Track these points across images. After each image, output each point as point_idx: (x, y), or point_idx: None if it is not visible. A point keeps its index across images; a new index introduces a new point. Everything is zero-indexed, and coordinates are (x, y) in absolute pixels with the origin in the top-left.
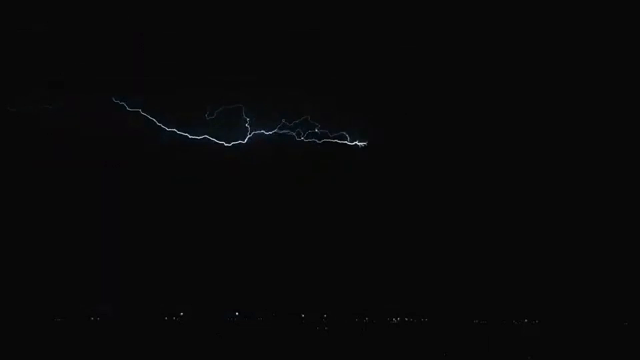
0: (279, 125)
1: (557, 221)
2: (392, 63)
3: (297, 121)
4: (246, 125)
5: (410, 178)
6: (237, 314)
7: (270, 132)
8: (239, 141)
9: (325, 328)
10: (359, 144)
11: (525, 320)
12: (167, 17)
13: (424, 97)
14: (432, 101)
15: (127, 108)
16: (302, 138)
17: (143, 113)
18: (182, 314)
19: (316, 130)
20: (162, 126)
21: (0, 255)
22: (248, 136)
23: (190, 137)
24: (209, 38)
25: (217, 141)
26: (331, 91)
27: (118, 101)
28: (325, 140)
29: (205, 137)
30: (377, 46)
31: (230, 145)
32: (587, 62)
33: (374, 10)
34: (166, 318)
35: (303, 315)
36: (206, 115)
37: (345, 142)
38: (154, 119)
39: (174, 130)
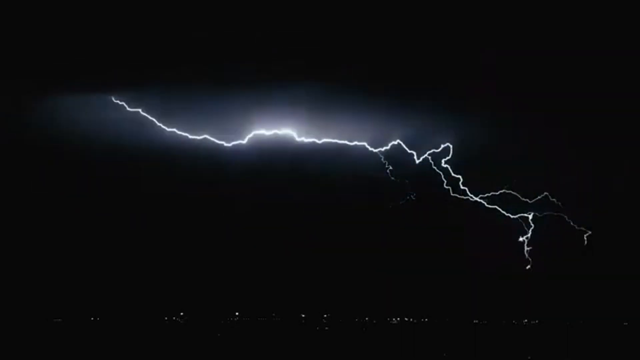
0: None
1: (556, 221)
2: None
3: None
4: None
5: (411, 179)
6: (237, 314)
7: (270, 132)
8: (239, 141)
9: (326, 328)
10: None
11: (526, 321)
12: (169, 18)
13: None
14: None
15: (127, 108)
16: (302, 138)
17: (143, 113)
18: (182, 313)
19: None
20: (162, 126)
21: (0, 255)
22: (248, 136)
23: (190, 137)
24: (210, 38)
25: (217, 141)
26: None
27: (118, 101)
28: (325, 140)
29: (205, 137)
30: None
31: (230, 145)
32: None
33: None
34: (166, 318)
35: (303, 315)
36: None
37: (346, 142)
38: (154, 119)
39: (174, 130)
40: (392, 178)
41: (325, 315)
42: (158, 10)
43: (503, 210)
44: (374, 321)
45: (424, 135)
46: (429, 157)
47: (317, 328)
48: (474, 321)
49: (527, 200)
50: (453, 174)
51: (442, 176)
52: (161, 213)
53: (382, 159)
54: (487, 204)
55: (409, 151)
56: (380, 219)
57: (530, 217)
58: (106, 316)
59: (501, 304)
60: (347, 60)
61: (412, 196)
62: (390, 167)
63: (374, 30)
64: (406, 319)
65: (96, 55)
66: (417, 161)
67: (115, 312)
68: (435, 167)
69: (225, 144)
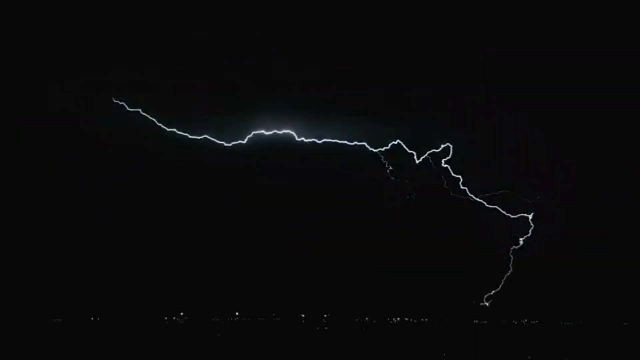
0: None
1: (556, 222)
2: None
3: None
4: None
5: (411, 179)
6: (237, 314)
7: (270, 132)
8: (239, 141)
9: (325, 328)
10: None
11: (526, 321)
12: (169, 18)
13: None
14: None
15: (127, 108)
16: (302, 138)
17: (143, 113)
18: (182, 313)
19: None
20: (162, 126)
21: (0, 255)
22: (248, 136)
23: (190, 137)
24: (210, 38)
25: (217, 141)
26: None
27: (118, 101)
28: (325, 140)
29: (205, 137)
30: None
31: (230, 145)
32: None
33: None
34: (166, 318)
35: (303, 315)
36: None
37: (345, 142)
38: (154, 119)
39: (174, 130)
40: (392, 178)
41: (325, 315)
42: (158, 10)
43: (503, 210)
44: (374, 321)
45: (424, 135)
46: (429, 157)
47: (317, 328)
48: (474, 321)
49: (527, 200)
50: (453, 174)
51: (442, 176)
52: (161, 213)
53: (382, 159)
54: (487, 204)
55: (409, 151)
56: (380, 219)
57: (530, 217)
58: (106, 316)
59: (501, 304)
60: (348, 60)
61: (411, 196)
62: (390, 167)
63: (374, 30)
64: (406, 319)
65: (97, 55)
66: (417, 161)
67: (115, 312)
68: (435, 167)
69: (225, 144)
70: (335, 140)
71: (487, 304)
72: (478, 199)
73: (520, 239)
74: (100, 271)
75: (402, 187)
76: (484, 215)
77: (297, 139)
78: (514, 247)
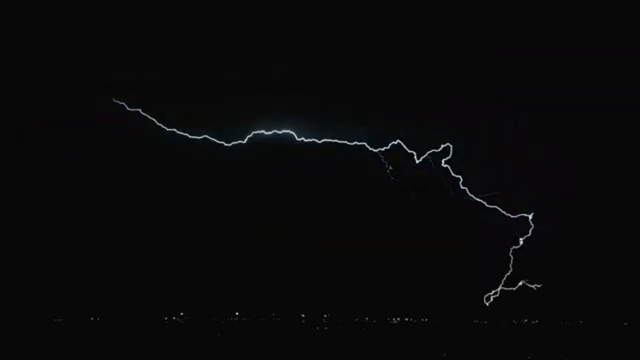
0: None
1: (555, 219)
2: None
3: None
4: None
5: (411, 179)
6: (237, 314)
7: (270, 132)
8: (239, 141)
9: (325, 328)
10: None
11: (526, 321)
12: (169, 18)
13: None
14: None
15: (127, 108)
16: (302, 138)
17: (143, 113)
18: (182, 313)
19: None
20: (162, 126)
21: (0, 255)
22: (248, 136)
23: (190, 137)
24: (210, 38)
25: (217, 141)
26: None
27: (118, 101)
28: (325, 140)
29: (205, 137)
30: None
31: (230, 145)
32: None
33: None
34: (166, 318)
35: (303, 315)
36: None
37: (345, 142)
38: (154, 119)
39: (174, 130)
40: (392, 178)
41: (325, 315)
42: (158, 10)
43: (503, 210)
44: (374, 321)
45: (424, 135)
46: (429, 157)
47: (317, 328)
48: (474, 321)
49: (527, 200)
50: (453, 174)
51: (442, 176)
52: (161, 213)
53: (382, 159)
54: (487, 204)
55: (409, 151)
56: (380, 219)
57: (530, 217)
58: (106, 316)
59: (501, 304)
60: (348, 60)
61: (412, 196)
62: (390, 167)
63: (374, 30)
64: (406, 319)
65: (97, 55)
66: (417, 161)
67: (115, 312)
68: (435, 167)
69: (225, 144)
70: (335, 140)
71: (487, 304)
72: (478, 199)
73: (520, 239)
74: (100, 271)
75: (402, 187)
76: (484, 215)
77: (297, 139)
78: (514, 247)
